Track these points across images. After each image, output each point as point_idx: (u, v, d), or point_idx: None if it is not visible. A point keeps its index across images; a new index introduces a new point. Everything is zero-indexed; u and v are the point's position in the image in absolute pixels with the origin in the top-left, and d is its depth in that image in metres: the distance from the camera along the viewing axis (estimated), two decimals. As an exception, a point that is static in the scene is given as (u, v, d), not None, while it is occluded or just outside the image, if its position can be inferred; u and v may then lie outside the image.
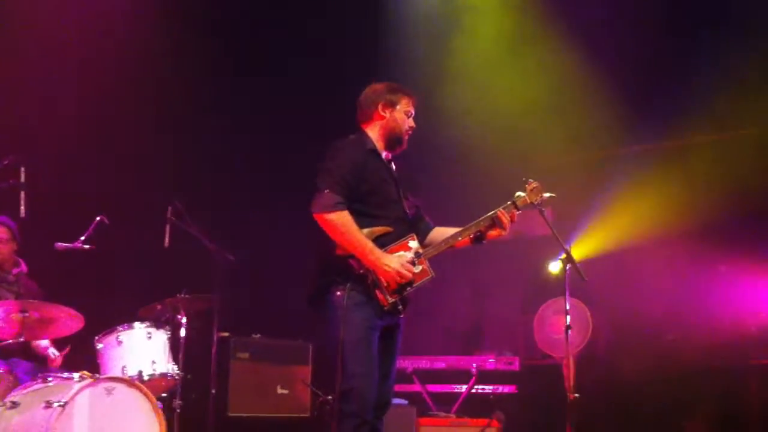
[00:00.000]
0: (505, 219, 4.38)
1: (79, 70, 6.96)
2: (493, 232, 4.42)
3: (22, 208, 5.25)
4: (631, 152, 8.16)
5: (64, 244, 5.76)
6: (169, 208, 6.34)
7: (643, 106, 7.62)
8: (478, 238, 4.45)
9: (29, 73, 6.75)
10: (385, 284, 4.18)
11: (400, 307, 4.24)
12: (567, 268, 5.47)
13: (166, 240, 6.26)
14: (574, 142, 8.13)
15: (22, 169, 5.30)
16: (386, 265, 4.16)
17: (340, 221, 4.16)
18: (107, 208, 5.96)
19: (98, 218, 5.86)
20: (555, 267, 7.68)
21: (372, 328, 4.21)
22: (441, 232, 4.51)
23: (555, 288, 6.75)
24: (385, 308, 4.20)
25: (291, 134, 7.91)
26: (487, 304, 8.58)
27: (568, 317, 5.67)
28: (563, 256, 5.29)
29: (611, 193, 7.82)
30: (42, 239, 5.87)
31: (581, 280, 4.91)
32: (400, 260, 4.20)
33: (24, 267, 6.06)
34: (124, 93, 7.17)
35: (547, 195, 4.55)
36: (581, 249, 7.36)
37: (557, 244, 4.92)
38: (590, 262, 6.83)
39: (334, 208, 4.16)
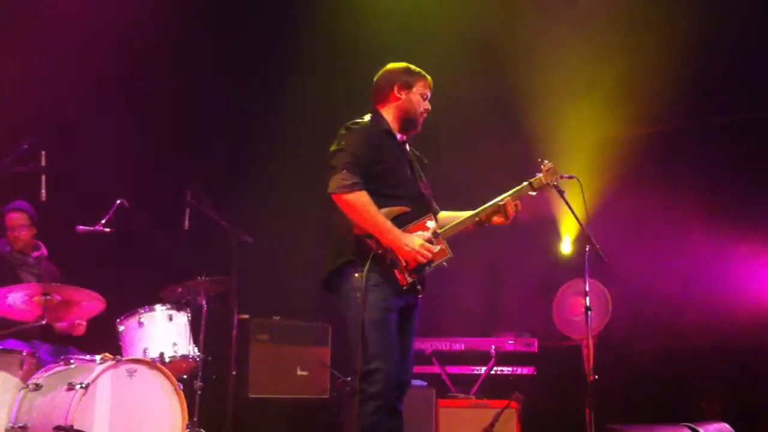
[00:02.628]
0: (510, 208, 4.36)
1: (99, 54, 6.98)
2: (496, 219, 4.42)
3: (43, 191, 5.29)
4: (645, 132, 8.11)
5: (84, 227, 5.80)
6: (188, 191, 6.37)
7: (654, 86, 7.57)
8: (481, 223, 4.44)
9: (49, 56, 6.77)
10: (404, 263, 4.18)
11: (419, 286, 4.24)
12: (587, 248, 5.43)
13: (186, 223, 6.30)
14: (589, 123, 8.08)
15: (43, 152, 5.34)
16: (406, 244, 4.15)
17: (359, 201, 4.15)
18: (127, 192, 6.00)
19: (118, 201, 5.90)
20: (567, 247, 7.67)
21: (390, 309, 4.20)
22: (447, 216, 4.51)
23: (574, 269, 6.74)
24: (404, 288, 4.19)
25: (307, 115, 7.90)
26: (505, 286, 8.57)
27: (588, 298, 5.64)
28: (579, 235, 5.26)
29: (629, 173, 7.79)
30: (63, 222, 5.92)
31: (601, 260, 4.90)
32: (419, 239, 4.20)
33: (44, 250, 6.09)
34: (143, 76, 7.20)
35: (566, 175, 4.54)
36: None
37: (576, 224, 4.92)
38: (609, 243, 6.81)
39: (352, 188, 4.15)
